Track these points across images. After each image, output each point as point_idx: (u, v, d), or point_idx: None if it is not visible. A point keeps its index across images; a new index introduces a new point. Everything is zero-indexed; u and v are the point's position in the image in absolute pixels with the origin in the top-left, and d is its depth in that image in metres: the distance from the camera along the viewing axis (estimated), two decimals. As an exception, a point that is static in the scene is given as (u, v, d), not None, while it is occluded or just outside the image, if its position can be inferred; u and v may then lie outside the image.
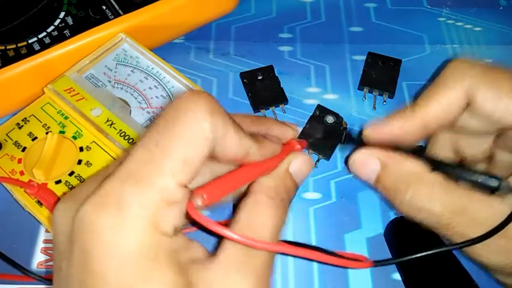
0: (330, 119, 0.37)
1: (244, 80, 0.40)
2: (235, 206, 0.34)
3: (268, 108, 0.39)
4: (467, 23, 0.45)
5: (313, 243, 0.33)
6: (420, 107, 0.24)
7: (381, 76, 0.40)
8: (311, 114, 0.38)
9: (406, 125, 0.24)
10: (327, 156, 0.36)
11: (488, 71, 0.23)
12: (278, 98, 0.39)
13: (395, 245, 0.32)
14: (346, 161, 0.27)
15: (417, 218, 0.23)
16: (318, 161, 0.36)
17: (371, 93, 0.40)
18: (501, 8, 0.46)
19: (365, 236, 0.34)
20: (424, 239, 0.32)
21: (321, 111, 0.37)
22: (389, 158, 0.24)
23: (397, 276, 0.32)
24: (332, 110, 0.38)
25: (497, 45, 0.43)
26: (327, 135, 0.37)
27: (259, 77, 0.40)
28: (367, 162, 0.24)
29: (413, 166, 0.23)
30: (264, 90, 0.39)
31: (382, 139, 0.25)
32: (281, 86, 0.40)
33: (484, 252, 0.23)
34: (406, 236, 0.32)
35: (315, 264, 0.32)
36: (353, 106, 0.39)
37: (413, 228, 0.33)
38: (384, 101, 0.39)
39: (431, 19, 0.45)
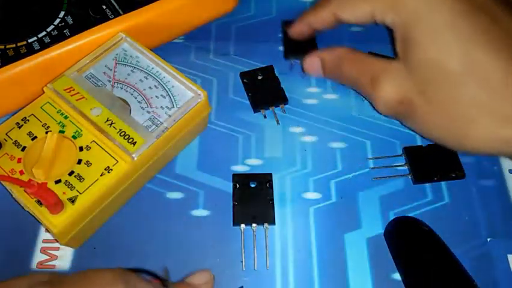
0: None
1: (244, 80, 0.40)
2: (234, 206, 0.34)
3: (268, 108, 0.39)
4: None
5: (313, 243, 0.33)
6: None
7: (381, 76, 0.40)
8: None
9: (320, 15, 0.35)
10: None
11: None
12: (278, 98, 0.39)
13: (395, 245, 0.32)
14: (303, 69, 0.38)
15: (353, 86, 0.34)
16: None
17: (371, 93, 0.40)
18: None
19: (365, 236, 0.34)
20: (424, 238, 0.32)
21: (288, 25, 0.41)
22: (324, 52, 0.35)
23: (397, 276, 0.32)
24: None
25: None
26: (305, 40, 0.40)
27: (259, 77, 0.40)
28: (312, 62, 0.35)
29: (341, 50, 0.34)
30: (264, 90, 0.39)
31: (303, 30, 0.38)
32: (281, 86, 0.40)
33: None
34: (406, 236, 0.32)
35: (315, 264, 0.32)
36: (353, 106, 0.39)
37: (413, 228, 0.33)
38: (384, 101, 0.40)
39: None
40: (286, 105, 0.39)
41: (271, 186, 0.35)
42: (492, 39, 0.27)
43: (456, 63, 0.27)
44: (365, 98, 0.40)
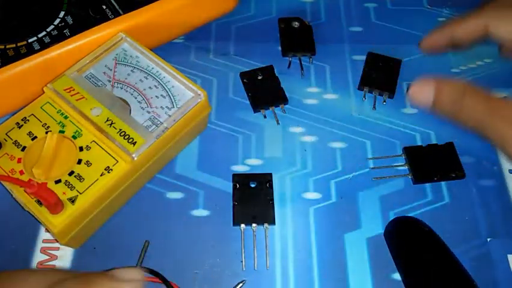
0: (295, 24, 0.43)
1: (244, 80, 0.40)
2: (234, 206, 0.34)
3: (268, 108, 0.39)
4: (467, 23, 0.45)
5: (313, 243, 0.33)
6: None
7: (381, 76, 0.40)
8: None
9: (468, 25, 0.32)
10: (313, 51, 0.41)
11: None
12: (278, 98, 0.39)
13: (395, 245, 0.32)
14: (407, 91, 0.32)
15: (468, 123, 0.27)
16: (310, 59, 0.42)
17: (371, 93, 0.40)
18: (501, 8, 0.46)
19: (365, 236, 0.34)
20: (424, 238, 0.32)
21: (284, 21, 0.43)
22: (441, 81, 0.27)
23: (397, 276, 0.32)
24: (291, 17, 0.43)
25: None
26: (301, 35, 0.42)
27: (259, 77, 0.40)
28: (423, 89, 0.28)
29: (460, 82, 0.27)
30: (264, 90, 0.39)
31: (439, 42, 0.34)
32: (281, 86, 0.40)
33: None
34: (406, 236, 0.32)
35: (315, 264, 0.32)
36: (353, 106, 0.39)
37: (413, 228, 0.33)
38: (384, 101, 0.40)
39: (431, 19, 0.45)
40: (286, 105, 0.39)
41: (271, 186, 0.35)
42: None
43: None
44: (365, 98, 0.40)
